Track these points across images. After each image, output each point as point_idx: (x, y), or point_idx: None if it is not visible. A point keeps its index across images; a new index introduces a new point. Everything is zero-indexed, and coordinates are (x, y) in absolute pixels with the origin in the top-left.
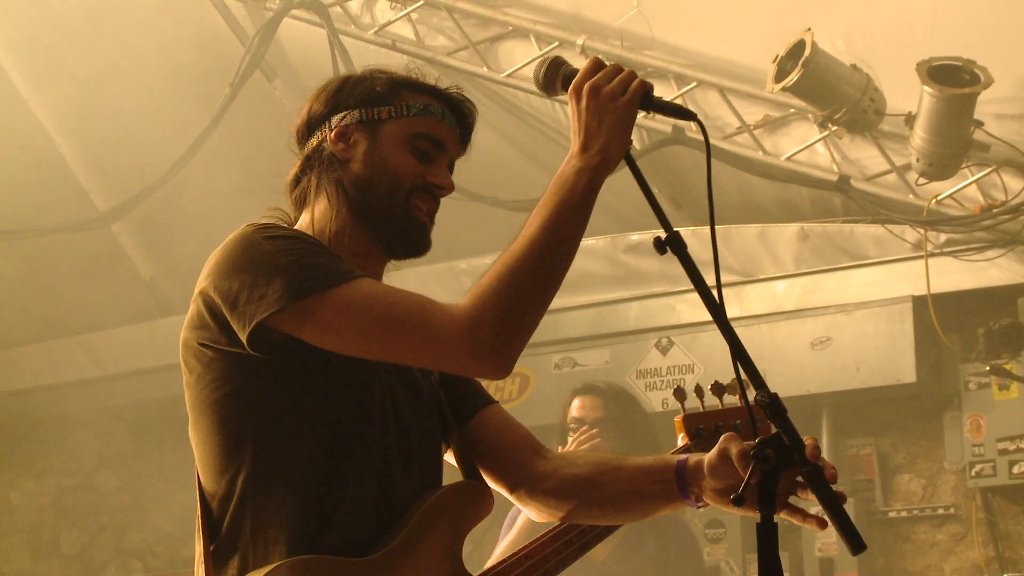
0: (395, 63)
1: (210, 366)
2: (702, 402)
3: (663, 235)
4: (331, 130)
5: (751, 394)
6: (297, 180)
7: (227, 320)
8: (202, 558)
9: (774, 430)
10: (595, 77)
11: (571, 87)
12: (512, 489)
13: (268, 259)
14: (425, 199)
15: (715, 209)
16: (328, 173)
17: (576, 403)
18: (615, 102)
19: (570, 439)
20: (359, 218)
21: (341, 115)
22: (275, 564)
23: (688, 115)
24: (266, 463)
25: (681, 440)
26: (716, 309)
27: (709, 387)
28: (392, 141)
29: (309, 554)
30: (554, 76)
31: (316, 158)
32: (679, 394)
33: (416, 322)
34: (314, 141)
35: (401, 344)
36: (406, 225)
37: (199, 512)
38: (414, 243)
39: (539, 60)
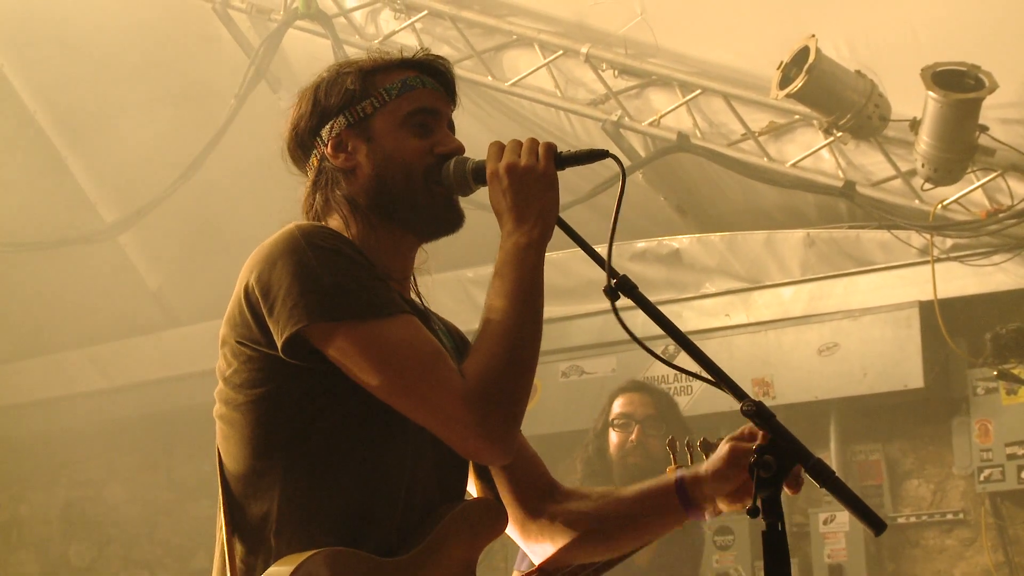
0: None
1: (247, 364)
2: (690, 457)
3: (612, 283)
4: (325, 144)
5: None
6: (309, 201)
7: (266, 323)
8: (225, 546)
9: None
10: (507, 156)
11: (489, 174)
12: (517, 524)
13: (310, 271)
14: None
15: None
16: (335, 191)
17: (621, 399)
18: (534, 172)
19: (613, 435)
20: (385, 218)
21: (328, 126)
22: (312, 552)
23: (600, 155)
24: (300, 464)
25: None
26: (687, 344)
27: (699, 443)
28: (387, 132)
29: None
30: (463, 173)
31: (322, 176)
32: (672, 445)
33: (435, 385)
34: (313, 160)
35: (412, 399)
36: (436, 207)
37: (222, 501)
38: (449, 221)
39: (444, 167)
